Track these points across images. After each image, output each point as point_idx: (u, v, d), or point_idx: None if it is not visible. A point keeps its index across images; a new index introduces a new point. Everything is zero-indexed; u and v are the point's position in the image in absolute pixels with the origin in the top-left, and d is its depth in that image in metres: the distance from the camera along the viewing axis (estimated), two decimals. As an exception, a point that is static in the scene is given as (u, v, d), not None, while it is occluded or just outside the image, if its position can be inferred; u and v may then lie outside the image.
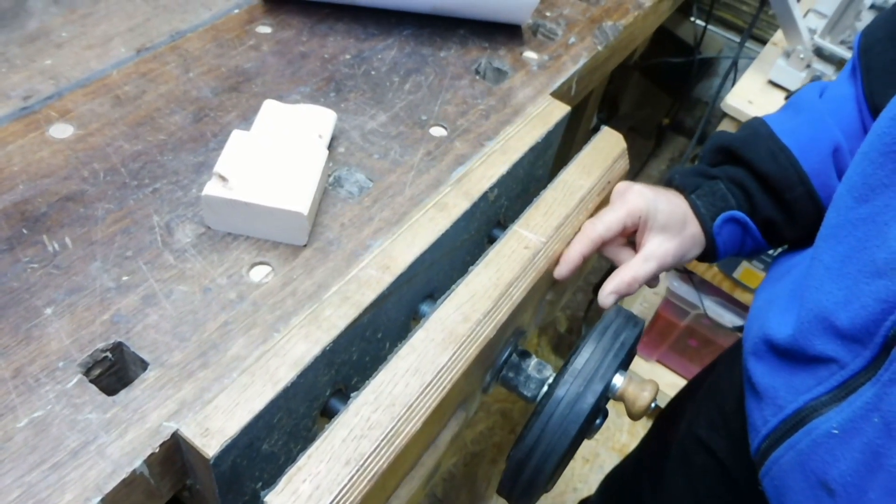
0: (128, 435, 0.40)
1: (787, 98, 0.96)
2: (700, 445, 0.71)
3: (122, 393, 0.41)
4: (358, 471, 0.41)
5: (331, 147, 0.59)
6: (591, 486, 1.40)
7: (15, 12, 0.64)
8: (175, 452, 0.41)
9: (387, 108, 0.64)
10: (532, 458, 0.49)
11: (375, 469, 0.41)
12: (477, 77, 0.70)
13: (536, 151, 0.65)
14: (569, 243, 0.57)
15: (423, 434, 0.45)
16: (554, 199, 0.59)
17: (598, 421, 0.55)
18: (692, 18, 1.59)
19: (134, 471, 0.39)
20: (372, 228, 0.54)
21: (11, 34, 0.62)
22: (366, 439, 0.42)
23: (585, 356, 0.50)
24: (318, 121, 0.57)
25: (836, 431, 0.43)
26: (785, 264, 0.60)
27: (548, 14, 0.80)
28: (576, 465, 1.44)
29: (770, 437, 0.49)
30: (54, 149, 0.54)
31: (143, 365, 0.43)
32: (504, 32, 0.76)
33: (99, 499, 0.37)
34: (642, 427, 1.50)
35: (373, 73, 0.67)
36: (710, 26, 1.48)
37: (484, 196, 0.58)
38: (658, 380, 1.50)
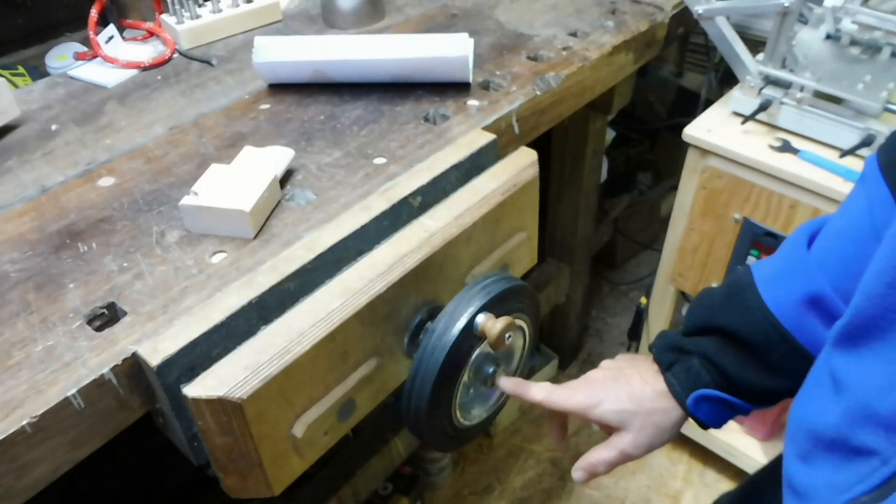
0: (103, 354, 0.57)
1: (743, 122, 1.04)
2: None
3: (106, 330, 0.60)
4: (252, 373, 0.55)
5: (290, 176, 0.77)
6: (643, 533, 1.37)
7: (94, 114, 0.91)
8: (138, 371, 0.58)
9: (342, 148, 0.82)
10: (414, 385, 0.60)
11: (266, 374, 0.55)
12: (423, 122, 0.87)
13: (462, 169, 0.79)
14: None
15: (317, 358, 0.59)
16: (460, 198, 0.73)
17: (488, 369, 0.65)
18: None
19: (103, 375, 0.56)
20: (307, 225, 0.71)
21: (88, 127, 0.88)
22: (263, 354, 0.57)
23: (456, 302, 0.62)
24: (278, 155, 0.76)
25: None
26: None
27: (497, 73, 0.97)
28: (627, 512, 1.43)
29: None
30: (99, 192, 0.76)
31: (124, 313, 0.61)
32: (455, 89, 0.93)
33: (76, 389, 0.54)
34: (697, 475, 1.47)
35: (338, 126, 0.86)
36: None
37: (404, 200, 0.73)
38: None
